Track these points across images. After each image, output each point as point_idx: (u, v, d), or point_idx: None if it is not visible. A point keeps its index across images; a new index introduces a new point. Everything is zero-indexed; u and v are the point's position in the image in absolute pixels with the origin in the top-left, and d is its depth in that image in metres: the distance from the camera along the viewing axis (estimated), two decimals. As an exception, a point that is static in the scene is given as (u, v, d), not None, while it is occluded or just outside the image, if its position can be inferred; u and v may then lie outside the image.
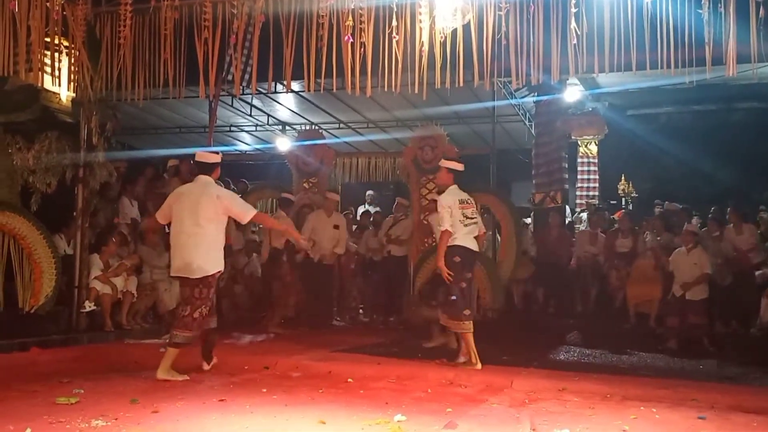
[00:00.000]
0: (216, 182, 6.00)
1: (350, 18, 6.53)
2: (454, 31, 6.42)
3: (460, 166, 6.66)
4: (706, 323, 8.62)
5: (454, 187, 6.57)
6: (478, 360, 6.34)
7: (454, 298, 6.44)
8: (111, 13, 7.42)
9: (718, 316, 9.11)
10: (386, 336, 9.00)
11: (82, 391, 4.96)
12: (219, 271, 5.86)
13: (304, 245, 8.72)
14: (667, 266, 9.03)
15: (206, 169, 5.92)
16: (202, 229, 5.73)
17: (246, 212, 5.92)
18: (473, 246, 6.57)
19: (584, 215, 12.12)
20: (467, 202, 6.56)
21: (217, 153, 6.19)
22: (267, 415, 4.50)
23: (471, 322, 6.45)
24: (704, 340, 8.46)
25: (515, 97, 12.15)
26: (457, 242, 6.43)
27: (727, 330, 9.07)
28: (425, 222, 9.52)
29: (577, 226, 11.03)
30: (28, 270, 7.41)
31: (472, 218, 6.54)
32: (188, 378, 5.63)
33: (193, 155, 6.06)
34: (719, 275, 9.05)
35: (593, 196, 13.28)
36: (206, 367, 6.04)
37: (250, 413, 4.53)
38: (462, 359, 6.56)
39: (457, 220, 6.42)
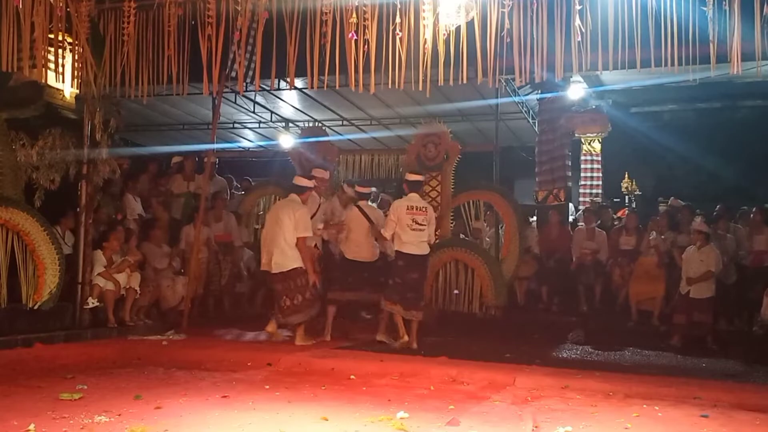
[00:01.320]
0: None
1: (354, 15, 6.52)
2: (458, 29, 6.41)
3: (419, 178, 7.92)
4: (710, 322, 8.59)
5: (412, 195, 7.69)
6: (405, 334, 7.44)
7: (391, 282, 7.61)
8: (115, 9, 7.41)
9: (722, 314, 9.09)
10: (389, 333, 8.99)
11: (86, 387, 4.98)
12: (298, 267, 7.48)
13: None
14: (679, 262, 8.96)
15: (297, 189, 7.78)
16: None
17: (302, 232, 7.49)
18: (418, 251, 7.56)
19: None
20: (419, 209, 7.60)
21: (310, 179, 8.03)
22: (270, 411, 4.51)
23: (400, 307, 7.47)
24: (708, 339, 8.44)
25: (518, 95, 12.15)
26: (402, 249, 7.54)
27: (730, 328, 9.05)
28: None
29: (580, 224, 11.01)
30: (31, 266, 7.42)
31: (421, 225, 7.53)
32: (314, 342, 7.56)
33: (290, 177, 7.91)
34: (724, 274, 9.02)
35: (596, 194, 13.26)
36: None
37: (252, 409, 4.54)
38: (380, 337, 7.63)
39: (404, 224, 7.49)
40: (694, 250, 8.72)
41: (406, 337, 7.42)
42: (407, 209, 7.51)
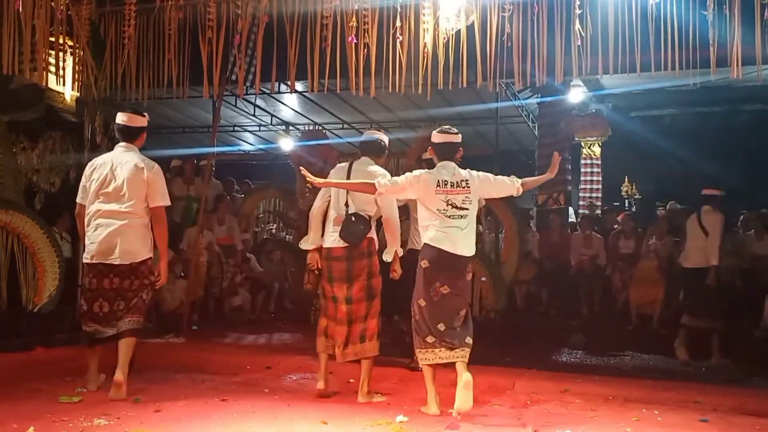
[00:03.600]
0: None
1: (354, 19, 6.53)
2: (458, 32, 6.42)
3: (452, 138, 5.03)
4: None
5: (445, 164, 5.06)
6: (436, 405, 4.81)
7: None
8: (115, 12, 7.43)
9: (722, 318, 9.07)
10: (388, 336, 8.98)
11: (85, 390, 4.98)
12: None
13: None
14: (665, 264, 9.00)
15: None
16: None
17: None
18: (456, 249, 4.83)
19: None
20: (458, 185, 4.88)
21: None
22: (269, 415, 4.51)
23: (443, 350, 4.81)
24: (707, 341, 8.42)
25: (519, 99, 12.15)
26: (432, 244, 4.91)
27: (732, 333, 9.04)
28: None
29: (578, 229, 11.02)
30: (31, 269, 7.41)
31: (462, 209, 4.87)
32: None
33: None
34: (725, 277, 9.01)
35: (596, 198, 13.26)
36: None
37: (252, 413, 4.54)
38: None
39: (432, 208, 4.86)
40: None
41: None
42: (437, 186, 4.79)
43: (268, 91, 10.68)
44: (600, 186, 13.47)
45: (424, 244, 4.82)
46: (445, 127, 5.14)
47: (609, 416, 4.78)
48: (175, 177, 10.95)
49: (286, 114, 13.59)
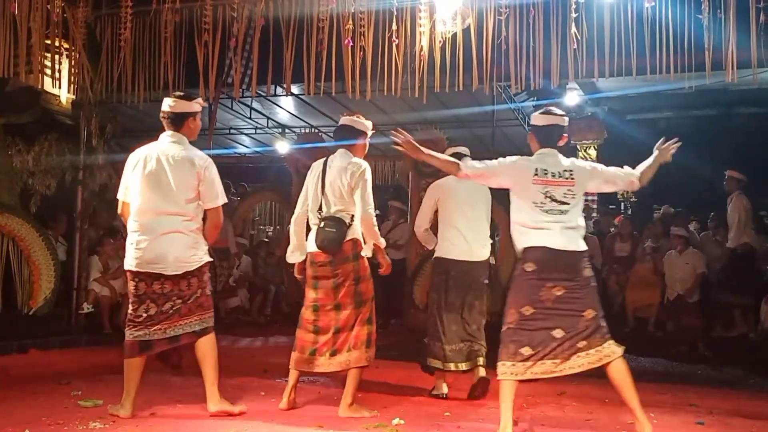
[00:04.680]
0: None
1: (350, 21, 6.54)
2: (454, 35, 6.43)
3: (556, 120, 4.47)
4: (701, 326, 8.64)
5: (545, 151, 4.40)
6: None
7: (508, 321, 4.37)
8: (111, 15, 7.42)
9: (718, 321, 9.10)
10: (385, 339, 8.96)
11: (80, 393, 4.96)
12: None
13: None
14: (661, 268, 9.12)
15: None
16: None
17: None
18: (561, 244, 4.20)
19: (590, 221, 12.03)
20: (560, 177, 4.28)
21: None
22: (265, 418, 4.50)
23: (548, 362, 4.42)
24: (699, 345, 8.45)
25: (515, 102, 12.16)
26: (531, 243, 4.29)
27: (726, 335, 9.07)
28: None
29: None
30: (26, 272, 7.40)
31: (564, 202, 4.24)
32: None
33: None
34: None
35: (592, 201, 13.26)
36: None
37: (248, 416, 4.52)
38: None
39: (529, 201, 4.26)
40: (675, 254, 8.90)
41: None
42: (535, 175, 4.23)
43: (264, 94, 10.70)
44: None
45: (524, 247, 4.21)
46: (549, 107, 4.55)
47: (605, 419, 4.79)
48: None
49: (282, 117, 13.59)
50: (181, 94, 4.78)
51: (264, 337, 9.06)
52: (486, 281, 5.52)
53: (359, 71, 6.62)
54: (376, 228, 4.80)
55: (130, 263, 4.45)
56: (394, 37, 6.46)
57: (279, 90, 9.57)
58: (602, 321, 4.25)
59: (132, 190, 4.47)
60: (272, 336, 9.10)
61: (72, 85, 7.64)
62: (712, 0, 5.80)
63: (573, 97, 11.88)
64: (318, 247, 4.71)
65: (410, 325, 9.56)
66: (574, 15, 6.10)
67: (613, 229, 10.89)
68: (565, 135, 4.45)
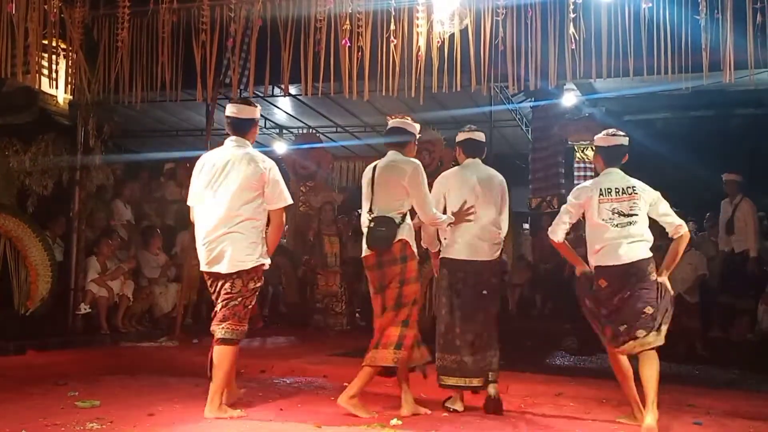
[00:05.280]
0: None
1: (348, 22, 6.53)
2: (452, 36, 6.43)
3: (616, 141, 5.03)
4: (700, 327, 8.64)
5: (611, 171, 4.91)
6: None
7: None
8: (109, 15, 7.41)
9: (715, 322, 9.11)
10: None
11: (77, 394, 4.95)
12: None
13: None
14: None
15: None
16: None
17: None
18: (628, 257, 4.64)
19: None
20: (624, 192, 4.75)
21: None
22: (263, 418, 4.49)
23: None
24: (697, 345, 8.46)
25: (512, 102, 12.17)
26: (601, 262, 4.68)
27: (723, 336, 9.08)
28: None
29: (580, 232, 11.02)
30: (23, 272, 7.39)
31: (629, 215, 4.66)
32: None
33: None
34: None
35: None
36: None
37: (246, 417, 4.52)
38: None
39: (598, 219, 4.70)
40: None
41: None
42: (600, 195, 4.68)
43: (261, 95, 10.69)
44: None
45: (596, 266, 4.63)
46: (611, 129, 4.99)
47: (603, 419, 4.78)
48: (169, 180, 10.94)
49: (280, 117, 13.57)
50: (245, 99, 4.86)
51: (261, 338, 9.05)
52: (497, 282, 5.12)
53: (357, 71, 6.61)
54: (440, 220, 4.75)
55: (200, 265, 4.62)
56: (391, 38, 6.46)
57: (276, 90, 9.55)
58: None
59: (197, 194, 4.60)
60: (270, 337, 9.09)
61: (69, 86, 7.63)
62: (710, 1, 5.81)
63: (570, 98, 11.88)
64: (368, 246, 4.69)
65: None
66: (571, 16, 6.11)
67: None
68: (627, 155, 4.95)
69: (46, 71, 7.14)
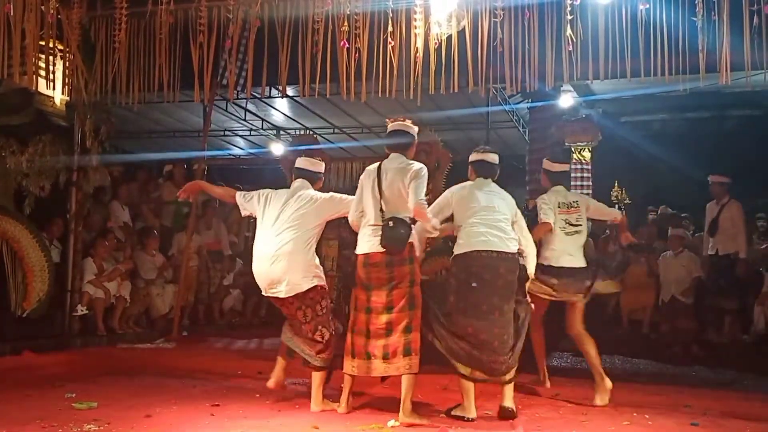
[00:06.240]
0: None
1: (346, 23, 6.53)
2: (449, 38, 6.43)
3: (564, 167, 6.19)
4: (695, 328, 8.67)
5: (559, 187, 5.95)
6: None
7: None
8: (106, 16, 7.39)
9: (710, 323, 9.13)
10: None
11: (74, 395, 4.95)
12: None
13: None
14: (655, 269, 9.15)
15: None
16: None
17: None
18: (577, 263, 5.83)
19: (589, 223, 12.00)
20: (573, 206, 5.89)
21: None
22: (261, 419, 4.50)
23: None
24: (693, 346, 8.48)
25: (509, 104, 12.18)
26: (553, 262, 5.75)
27: (720, 337, 9.10)
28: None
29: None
30: (20, 273, 7.38)
31: (576, 225, 5.83)
32: None
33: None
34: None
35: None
36: None
37: (243, 418, 4.52)
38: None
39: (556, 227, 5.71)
40: (671, 256, 8.93)
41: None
42: (559, 206, 5.82)
43: (259, 96, 10.67)
44: (590, 191, 13.48)
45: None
46: (559, 156, 6.32)
47: (600, 420, 4.79)
48: (166, 181, 10.93)
49: (277, 118, 13.57)
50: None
51: (258, 339, 9.05)
52: (515, 279, 4.96)
53: (354, 73, 6.61)
54: (427, 212, 4.74)
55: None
56: (389, 39, 6.46)
57: (274, 92, 9.55)
58: None
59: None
60: (267, 338, 9.09)
61: (66, 87, 7.61)
62: (706, 2, 5.82)
63: (567, 100, 11.88)
64: (383, 245, 4.66)
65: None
66: (569, 17, 6.11)
67: (608, 231, 10.89)
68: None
69: (43, 72, 7.11)
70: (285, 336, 5.18)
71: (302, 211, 5.02)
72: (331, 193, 5.23)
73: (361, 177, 4.97)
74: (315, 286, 5.00)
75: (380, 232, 4.66)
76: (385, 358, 4.68)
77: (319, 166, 5.43)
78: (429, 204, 4.84)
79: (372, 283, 4.75)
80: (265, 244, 5.01)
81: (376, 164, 4.92)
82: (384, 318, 4.70)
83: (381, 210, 4.72)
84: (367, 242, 4.76)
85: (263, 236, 5.07)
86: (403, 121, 5.01)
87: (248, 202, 5.25)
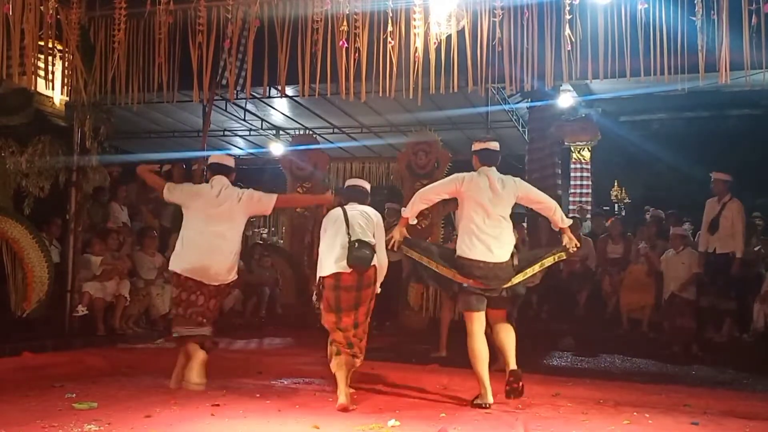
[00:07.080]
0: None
1: (345, 23, 6.53)
2: (449, 37, 6.43)
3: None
4: (694, 326, 8.67)
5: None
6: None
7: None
8: (105, 16, 7.39)
9: (710, 322, 9.13)
10: (381, 341, 8.98)
11: (74, 396, 4.95)
12: None
13: None
14: (658, 266, 9.16)
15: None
16: None
17: None
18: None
19: (588, 222, 12.02)
20: None
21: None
22: (261, 419, 4.49)
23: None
24: (693, 345, 8.48)
25: (509, 103, 12.19)
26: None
27: (719, 336, 9.11)
28: (420, 227, 9.50)
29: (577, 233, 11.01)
30: (20, 274, 7.38)
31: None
32: None
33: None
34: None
35: (586, 202, 13.30)
36: None
37: (243, 418, 4.52)
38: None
39: None
40: (673, 254, 8.95)
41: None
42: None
43: (258, 96, 10.70)
44: (590, 190, 13.52)
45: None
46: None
47: (600, 420, 4.79)
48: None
49: (277, 118, 13.58)
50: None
51: (258, 339, 9.05)
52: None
53: (354, 73, 6.61)
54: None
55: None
56: (389, 39, 6.46)
57: (273, 92, 9.55)
58: None
59: None
60: (267, 338, 9.09)
61: (65, 87, 7.61)
62: (706, 2, 5.83)
63: (567, 99, 11.90)
64: (350, 265, 5.03)
65: (405, 326, 9.60)
66: (568, 17, 6.11)
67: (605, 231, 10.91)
68: None
69: (42, 72, 7.11)
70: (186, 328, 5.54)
71: (232, 205, 5.55)
72: (251, 190, 5.72)
73: (326, 221, 5.36)
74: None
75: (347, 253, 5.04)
76: (359, 354, 5.21)
77: (231, 161, 5.96)
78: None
79: (342, 306, 5.14)
80: (200, 236, 5.45)
81: (339, 209, 5.34)
82: (351, 332, 5.15)
83: (347, 233, 5.12)
84: (337, 264, 5.08)
85: (197, 228, 5.50)
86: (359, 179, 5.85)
87: (172, 194, 5.76)
